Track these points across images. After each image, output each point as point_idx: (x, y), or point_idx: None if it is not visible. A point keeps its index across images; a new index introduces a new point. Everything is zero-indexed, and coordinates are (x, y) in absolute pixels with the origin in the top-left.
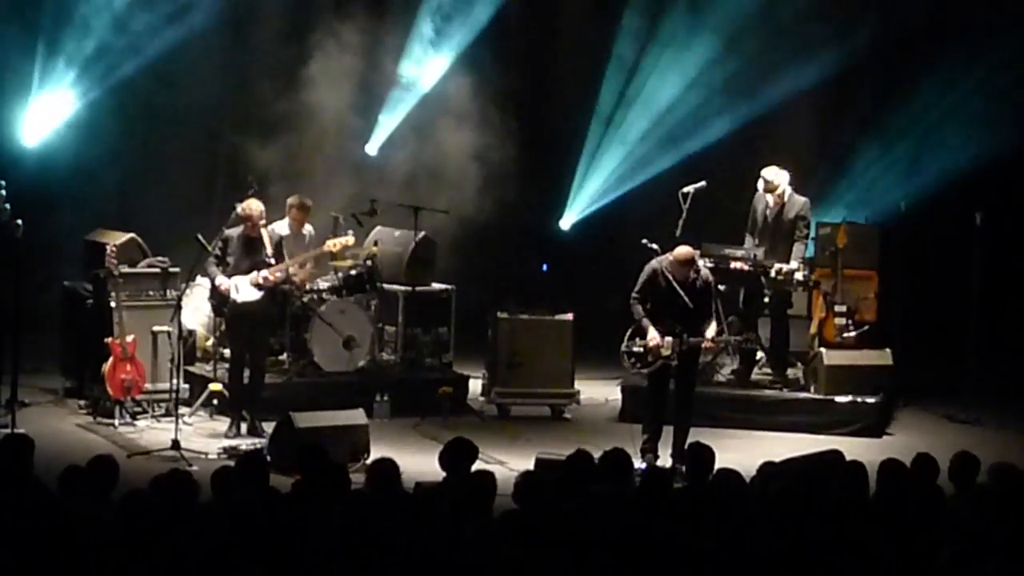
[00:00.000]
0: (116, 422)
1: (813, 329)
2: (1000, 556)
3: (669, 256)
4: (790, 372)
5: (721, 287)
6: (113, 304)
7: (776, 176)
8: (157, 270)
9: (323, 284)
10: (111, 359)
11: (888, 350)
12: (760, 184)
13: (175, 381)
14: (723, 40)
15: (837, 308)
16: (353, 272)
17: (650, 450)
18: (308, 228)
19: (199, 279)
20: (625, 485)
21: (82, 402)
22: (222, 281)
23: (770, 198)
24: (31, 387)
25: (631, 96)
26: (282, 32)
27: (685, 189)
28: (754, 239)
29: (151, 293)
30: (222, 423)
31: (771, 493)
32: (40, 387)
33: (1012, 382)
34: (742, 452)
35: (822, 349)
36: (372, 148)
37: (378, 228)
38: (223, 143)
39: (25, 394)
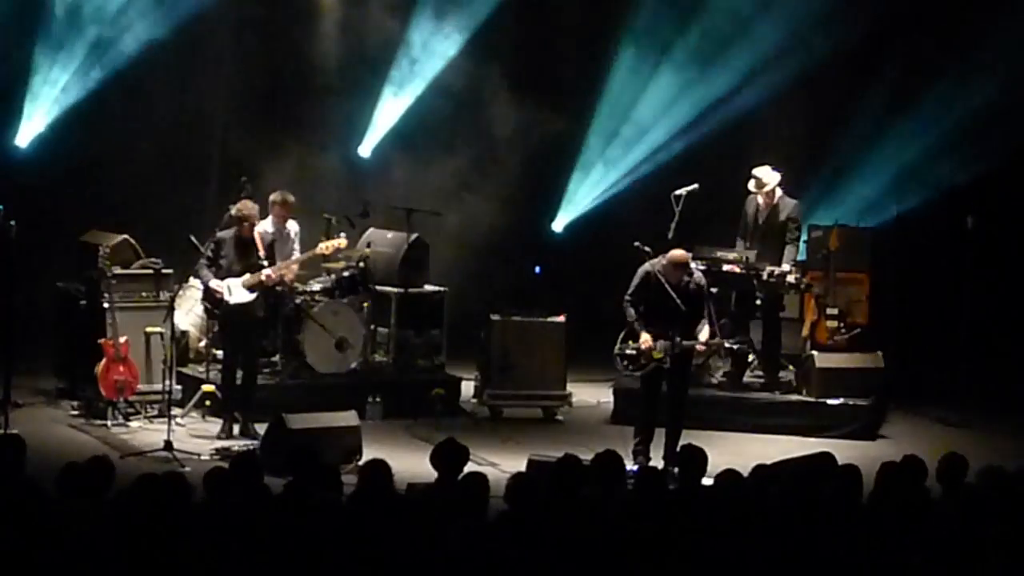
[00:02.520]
0: (109, 423)
1: (805, 332)
2: (987, 557)
3: (662, 259)
4: (782, 375)
5: (713, 290)
6: (106, 305)
7: (767, 175)
8: (150, 271)
9: (316, 286)
10: (104, 360)
11: (880, 353)
12: (751, 183)
13: (168, 382)
14: (716, 43)
15: (829, 311)
16: (346, 274)
17: (642, 452)
18: (292, 224)
19: (192, 280)
20: (617, 487)
21: (75, 403)
22: (215, 284)
23: (760, 199)
24: (24, 388)
25: (625, 99)
26: (277, 33)
27: (677, 192)
28: (745, 242)
29: (144, 294)
30: (215, 424)
31: (763, 496)
32: (33, 388)
33: (1003, 385)
34: (734, 454)
35: (814, 352)
36: (365, 150)
37: (371, 230)
38: (216, 144)
39: (18, 395)
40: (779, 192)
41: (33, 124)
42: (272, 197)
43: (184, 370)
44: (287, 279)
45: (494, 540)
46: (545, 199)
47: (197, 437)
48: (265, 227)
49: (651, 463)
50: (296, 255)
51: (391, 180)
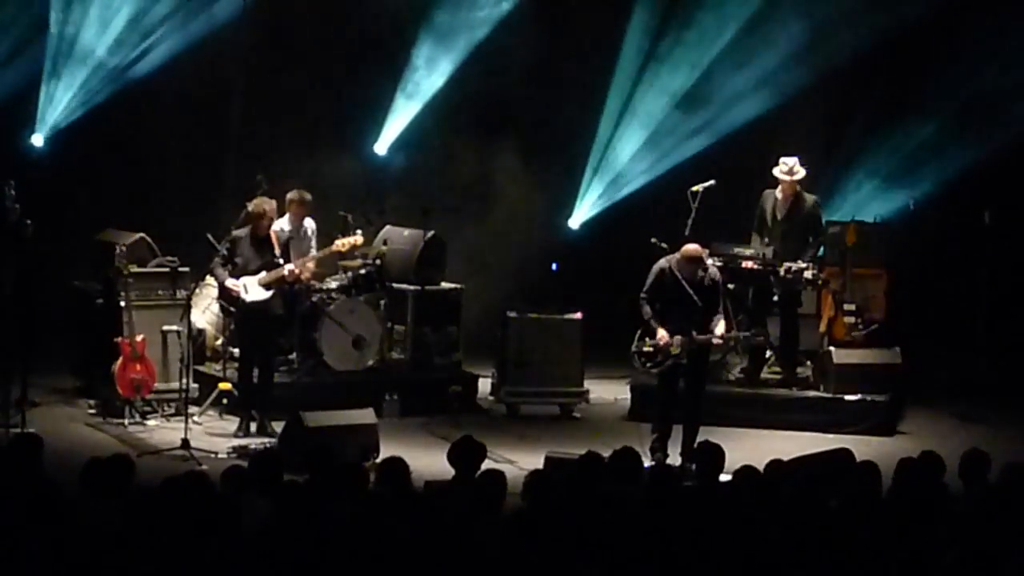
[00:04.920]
0: (126, 421)
1: (822, 328)
2: (1010, 554)
3: (677, 255)
4: (799, 371)
5: (730, 286)
6: (123, 304)
7: (796, 164)
8: (166, 270)
9: (332, 283)
10: (121, 359)
11: (897, 348)
12: (780, 168)
13: (184, 380)
14: (732, 37)
15: (846, 306)
16: (362, 271)
17: (659, 449)
18: (308, 222)
19: (208, 279)
20: (635, 484)
21: (92, 401)
22: (230, 283)
23: (778, 194)
24: (41, 386)
25: (641, 93)
26: (290, 30)
27: (694, 188)
28: (762, 238)
29: (161, 293)
30: (231, 422)
31: (780, 492)
32: (50, 387)
33: (1022, 380)
34: (751, 451)
35: (831, 348)
36: (381, 147)
37: (387, 227)
38: (232, 142)
39: (35, 394)
40: (798, 187)
41: (49, 123)
42: (289, 196)
43: (201, 368)
44: (303, 277)
45: (511, 537)
46: (562, 195)
47: (214, 435)
48: (282, 225)
49: (669, 460)
50: (313, 253)
51: (407, 177)
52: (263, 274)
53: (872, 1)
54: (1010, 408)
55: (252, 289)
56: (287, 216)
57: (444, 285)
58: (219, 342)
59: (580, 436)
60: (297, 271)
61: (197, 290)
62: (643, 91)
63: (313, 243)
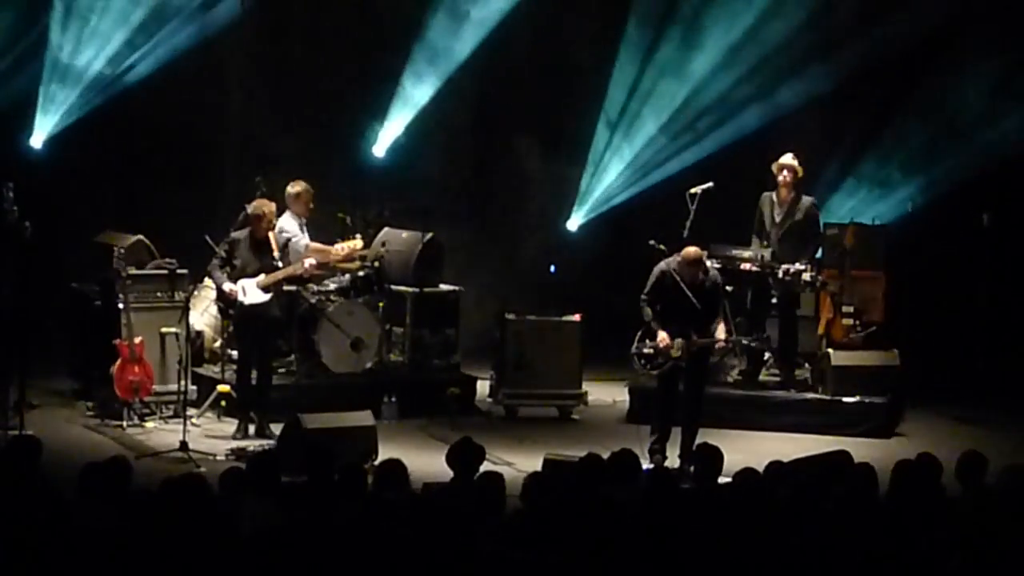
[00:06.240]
0: (124, 423)
1: (821, 330)
2: (1007, 557)
3: (677, 257)
4: (798, 373)
5: (729, 288)
6: (121, 306)
7: (794, 161)
8: (165, 272)
9: (331, 285)
10: (119, 361)
11: (896, 351)
12: (783, 158)
13: (183, 383)
14: (731, 42)
15: (845, 309)
16: (361, 273)
17: (658, 451)
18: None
19: (207, 281)
20: (633, 486)
21: (90, 404)
22: (228, 286)
23: (776, 196)
24: (39, 389)
25: (640, 97)
26: (288, 33)
27: (692, 190)
28: (761, 241)
29: (159, 295)
30: (230, 424)
31: (779, 494)
32: (48, 389)
33: (1020, 382)
34: (749, 453)
35: (830, 350)
36: (379, 150)
37: (386, 229)
38: (231, 144)
39: (33, 396)
40: (798, 177)
41: (48, 125)
42: (296, 188)
43: (199, 370)
44: (335, 261)
45: (510, 539)
46: (560, 198)
47: (212, 437)
48: (281, 227)
49: (667, 462)
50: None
51: (405, 180)
52: (262, 276)
53: (872, 11)
54: (1008, 410)
55: (251, 291)
56: (288, 215)
57: (442, 287)
58: (217, 344)
59: (579, 438)
60: (318, 262)
61: (195, 292)
62: (642, 95)
63: (307, 240)
